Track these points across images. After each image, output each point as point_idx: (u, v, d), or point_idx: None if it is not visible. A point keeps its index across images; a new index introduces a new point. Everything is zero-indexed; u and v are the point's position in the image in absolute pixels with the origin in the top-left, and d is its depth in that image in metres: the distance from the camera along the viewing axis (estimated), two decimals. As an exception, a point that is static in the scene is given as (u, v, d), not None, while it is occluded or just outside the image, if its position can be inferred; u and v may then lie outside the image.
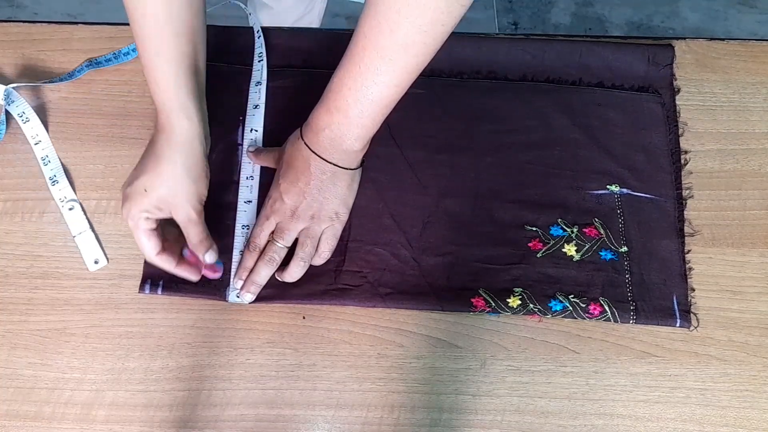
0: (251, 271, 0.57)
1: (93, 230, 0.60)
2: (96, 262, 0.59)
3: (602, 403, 0.56)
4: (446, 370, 0.57)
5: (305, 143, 0.56)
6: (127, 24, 0.67)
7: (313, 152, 0.56)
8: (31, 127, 0.64)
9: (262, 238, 0.58)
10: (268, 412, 0.55)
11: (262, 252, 0.58)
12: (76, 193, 0.61)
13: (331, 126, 0.54)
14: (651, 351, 0.57)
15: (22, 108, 0.64)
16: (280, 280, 0.58)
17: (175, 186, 0.54)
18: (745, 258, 0.60)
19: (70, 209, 0.61)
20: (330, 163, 0.56)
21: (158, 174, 0.54)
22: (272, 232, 0.58)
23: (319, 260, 0.59)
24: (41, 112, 0.65)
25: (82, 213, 0.61)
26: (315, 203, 0.57)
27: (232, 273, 0.58)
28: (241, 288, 0.57)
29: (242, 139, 0.63)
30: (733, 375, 0.57)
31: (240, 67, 0.66)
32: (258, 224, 0.58)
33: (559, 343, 0.58)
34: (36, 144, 0.63)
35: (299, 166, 0.57)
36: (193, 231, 0.56)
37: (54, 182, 0.61)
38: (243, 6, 0.72)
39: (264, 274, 0.57)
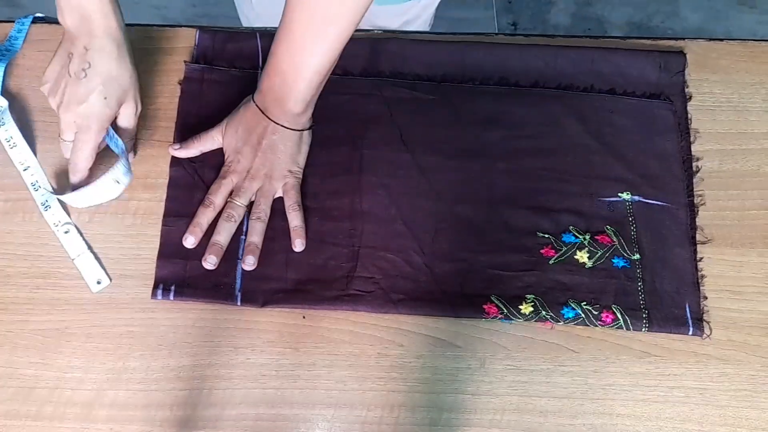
0: (214, 231, 0.59)
1: (92, 251, 0.60)
2: (98, 282, 0.59)
3: (602, 403, 0.56)
4: (446, 370, 0.57)
5: (256, 104, 0.60)
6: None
7: (262, 113, 0.59)
8: (19, 152, 0.63)
9: (218, 197, 0.60)
10: (269, 412, 0.56)
11: (221, 211, 0.60)
12: (69, 216, 0.61)
13: (273, 88, 0.58)
14: (650, 351, 0.57)
15: (11, 132, 0.63)
16: (248, 252, 0.58)
17: (131, 74, 0.59)
18: (745, 258, 0.60)
19: (66, 232, 0.60)
20: (276, 123, 0.59)
21: (127, 67, 0.58)
22: (230, 193, 0.60)
23: (294, 214, 0.60)
24: (39, 113, 0.65)
25: (78, 235, 0.60)
26: (267, 161, 0.60)
27: (238, 274, 0.59)
28: (206, 253, 0.58)
29: None
30: (732, 374, 0.57)
31: (246, 71, 0.66)
32: (215, 182, 0.61)
33: (559, 342, 0.58)
34: (25, 170, 0.62)
35: (251, 126, 0.60)
36: (135, 115, 0.60)
37: (46, 207, 0.61)
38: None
39: (225, 233, 0.59)
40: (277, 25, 0.56)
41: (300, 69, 0.56)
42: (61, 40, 0.58)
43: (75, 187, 0.59)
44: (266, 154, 0.60)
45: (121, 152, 0.60)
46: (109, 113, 0.58)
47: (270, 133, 0.59)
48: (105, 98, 0.57)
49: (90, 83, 0.56)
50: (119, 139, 0.60)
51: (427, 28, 0.90)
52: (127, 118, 0.60)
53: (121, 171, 0.58)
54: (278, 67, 0.57)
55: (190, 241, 0.59)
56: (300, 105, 0.58)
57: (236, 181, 0.60)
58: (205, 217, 0.59)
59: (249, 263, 0.58)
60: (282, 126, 0.59)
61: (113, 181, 0.59)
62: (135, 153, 0.63)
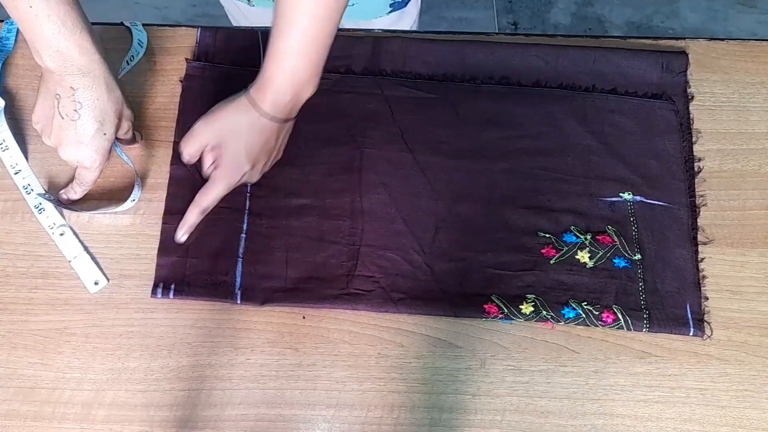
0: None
1: (88, 252, 0.60)
2: (96, 283, 0.59)
3: (602, 403, 0.56)
4: (446, 370, 0.57)
5: (269, 119, 0.57)
6: (129, 24, 0.68)
7: (277, 120, 0.57)
8: (10, 155, 0.62)
9: (213, 203, 0.59)
10: (268, 412, 0.56)
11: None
12: (64, 218, 0.61)
13: (289, 85, 0.55)
14: (651, 351, 0.57)
15: (4, 135, 0.63)
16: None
17: (119, 95, 0.58)
18: (745, 258, 0.60)
19: (61, 234, 0.60)
20: (288, 120, 0.58)
21: (116, 94, 0.57)
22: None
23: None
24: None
25: (74, 236, 0.60)
26: (274, 161, 0.61)
27: (238, 273, 0.59)
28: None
29: None
30: (732, 375, 0.57)
31: (246, 69, 0.66)
32: (215, 192, 0.58)
33: (559, 343, 0.58)
34: (16, 174, 0.62)
35: (263, 141, 0.58)
36: (130, 127, 0.61)
37: (40, 210, 0.61)
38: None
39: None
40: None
41: (318, 52, 0.54)
42: (43, 78, 0.56)
43: (87, 206, 0.61)
44: (275, 156, 0.60)
45: (128, 161, 0.62)
46: (108, 145, 0.58)
47: (284, 135, 0.59)
48: (104, 134, 0.57)
49: (85, 123, 0.55)
50: (123, 152, 0.62)
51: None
52: (123, 132, 0.60)
53: (136, 188, 0.61)
54: (293, 62, 0.54)
55: (183, 239, 0.60)
56: (314, 86, 0.57)
57: (233, 188, 0.59)
58: (196, 218, 0.59)
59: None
60: (292, 119, 0.59)
61: (130, 201, 0.61)
62: (142, 138, 0.64)
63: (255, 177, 0.60)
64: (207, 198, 0.59)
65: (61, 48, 0.52)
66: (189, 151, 0.59)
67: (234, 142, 0.57)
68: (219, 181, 0.58)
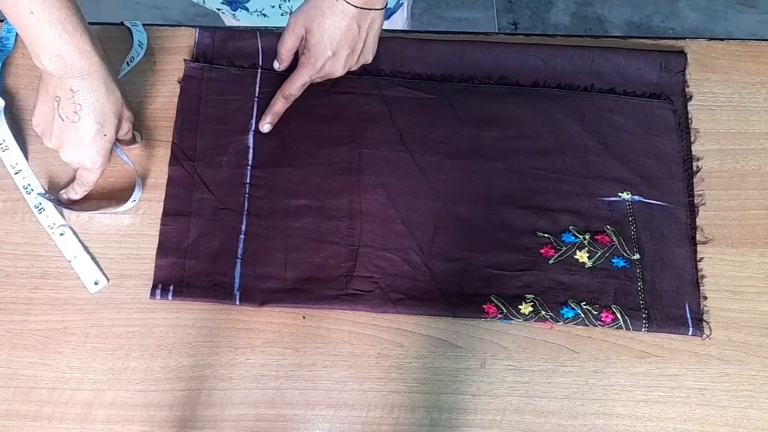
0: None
1: (88, 252, 0.60)
2: (96, 283, 0.59)
3: (602, 403, 0.56)
4: (446, 370, 0.57)
5: (354, 6, 0.58)
6: (129, 24, 0.68)
7: (359, 8, 0.58)
8: (10, 155, 0.62)
9: (296, 90, 0.63)
10: (268, 412, 0.56)
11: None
12: (64, 218, 0.61)
13: None
14: (651, 351, 0.57)
15: (4, 135, 0.63)
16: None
17: (119, 96, 0.58)
18: (745, 258, 0.60)
19: (61, 234, 0.60)
20: (375, 9, 0.59)
21: (116, 95, 0.57)
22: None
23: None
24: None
25: (74, 236, 0.60)
26: (363, 54, 0.62)
27: (237, 274, 0.59)
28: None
29: (252, 142, 0.63)
30: (732, 375, 0.57)
31: (245, 69, 0.66)
32: (298, 78, 0.62)
33: (559, 343, 0.58)
34: (16, 174, 0.62)
35: (348, 28, 0.59)
36: (130, 127, 0.61)
37: (40, 210, 0.61)
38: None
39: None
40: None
41: None
42: (42, 81, 0.56)
43: (88, 206, 0.61)
44: (363, 54, 0.62)
45: (128, 162, 0.62)
46: (109, 146, 0.58)
47: (368, 29, 0.60)
48: (105, 135, 0.57)
49: (86, 125, 0.55)
50: (123, 153, 0.62)
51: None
52: (123, 133, 0.60)
53: (136, 189, 0.61)
54: None
55: (267, 128, 0.63)
56: None
57: (318, 80, 0.63)
58: (282, 106, 0.63)
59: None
60: (374, 10, 0.59)
61: (130, 202, 0.61)
62: (142, 138, 0.64)
63: (338, 68, 0.62)
64: (291, 85, 0.62)
65: (61, 52, 0.52)
66: (287, 46, 0.62)
67: (316, 27, 0.59)
68: (302, 68, 0.62)
